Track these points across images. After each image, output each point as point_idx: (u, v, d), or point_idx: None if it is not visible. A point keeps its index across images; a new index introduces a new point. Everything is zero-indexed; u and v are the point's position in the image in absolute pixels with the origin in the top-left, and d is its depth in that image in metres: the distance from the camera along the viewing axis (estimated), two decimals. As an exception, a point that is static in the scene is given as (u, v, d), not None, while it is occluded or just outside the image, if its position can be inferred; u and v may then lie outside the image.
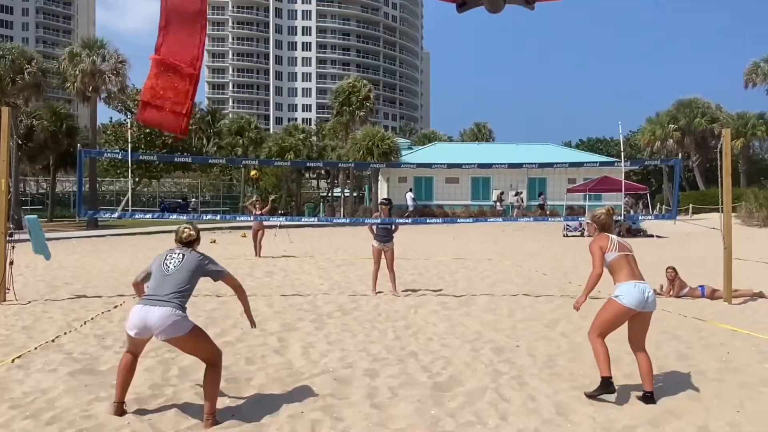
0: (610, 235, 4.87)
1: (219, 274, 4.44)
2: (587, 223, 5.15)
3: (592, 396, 4.65)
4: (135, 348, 4.30)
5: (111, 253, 16.91)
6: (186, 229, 4.43)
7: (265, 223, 15.90)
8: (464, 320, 7.77)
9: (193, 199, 45.06)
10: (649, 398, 4.64)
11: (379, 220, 10.15)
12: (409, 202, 34.36)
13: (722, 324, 7.50)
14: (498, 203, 35.85)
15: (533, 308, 8.61)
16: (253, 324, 4.89)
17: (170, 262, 4.27)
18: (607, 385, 4.62)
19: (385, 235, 10.04)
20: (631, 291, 4.59)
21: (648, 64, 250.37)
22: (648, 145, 46.56)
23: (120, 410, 4.24)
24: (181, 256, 4.31)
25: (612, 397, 4.75)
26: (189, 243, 4.42)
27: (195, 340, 4.22)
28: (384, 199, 11.39)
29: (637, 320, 4.69)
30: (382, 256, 10.00)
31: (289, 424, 4.17)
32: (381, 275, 10.04)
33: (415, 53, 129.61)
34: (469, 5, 3.16)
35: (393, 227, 10.21)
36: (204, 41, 7.40)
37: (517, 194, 35.38)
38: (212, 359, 4.27)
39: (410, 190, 35.62)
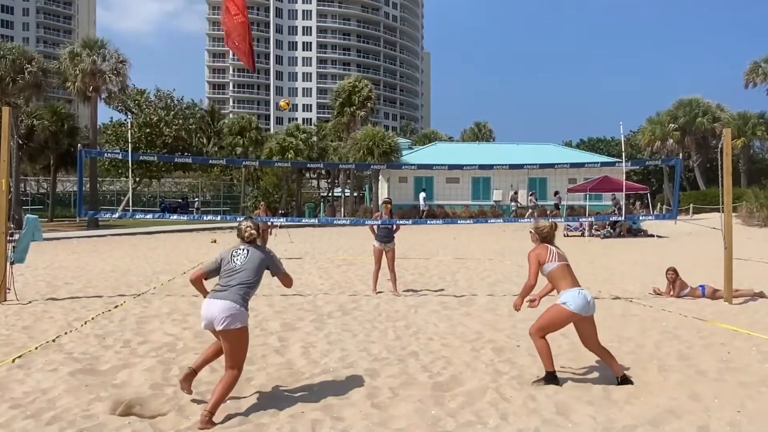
0: (549, 245, 5.17)
1: (278, 271, 4.70)
2: (530, 231, 5.42)
3: (536, 383, 4.99)
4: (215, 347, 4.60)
5: (111, 253, 16.92)
6: (248, 228, 4.65)
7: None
8: (465, 320, 7.77)
9: (197, 199, 45.14)
10: (625, 380, 4.98)
11: (379, 221, 10.16)
12: (421, 202, 34.83)
13: (723, 324, 7.49)
14: (513, 203, 35.75)
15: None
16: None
17: (237, 259, 4.53)
18: (551, 378, 4.98)
19: (386, 236, 10.05)
20: (576, 297, 4.92)
21: (648, 64, 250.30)
22: (648, 144, 46.55)
23: (192, 375, 4.56)
24: (246, 252, 4.58)
25: (612, 396, 4.75)
26: (252, 240, 4.64)
27: (240, 340, 4.42)
28: (386, 198, 11.46)
29: (584, 324, 5.03)
30: (383, 256, 10.01)
31: (290, 424, 4.17)
32: (381, 275, 10.05)
33: (416, 53, 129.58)
34: None
35: (394, 227, 10.22)
36: None
37: (531, 194, 35.30)
38: (238, 366, 4.43)
39: (423, 190, 35.88)
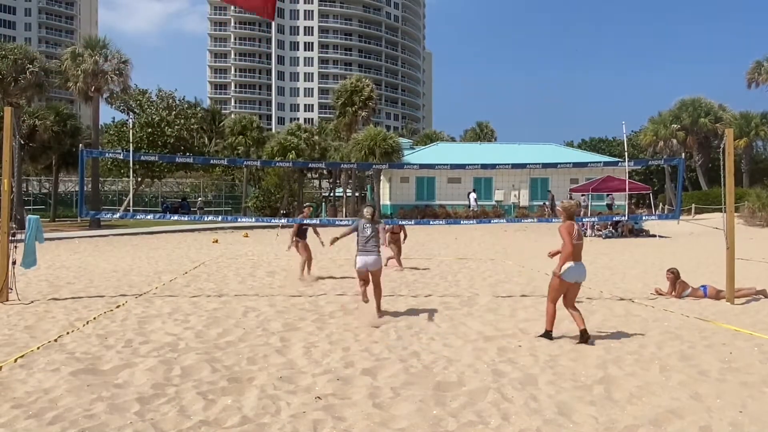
0: (574, 223, 6.54)
1: (383, 236, 7.60)
2: (558, 210, 6.75)
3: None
4: (365, 279, 7.79)
5: (113, 253, 16.94)
6: (368, 211, 7.95)
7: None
8: (466, 320, 7.77)
9: (200, 198, 45.23)
10: (584, 335, 6.41)
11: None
12: (472, 202, 34.70)
13: (725, 324, 7.49)
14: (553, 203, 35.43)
15: (535, 308, 8.59)
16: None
17: (367, 230, 7.79)
18: (547, 334, 6.61)
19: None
20: (572, 268, 6.43)
21: (650, 64, 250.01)
22: (650, 144, 46.47)
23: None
24: (369, 225, 7.82)
25: (614, 396, 4.74)
26: (371, 218, 7.87)
27: (381, 273, 7.99)
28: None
29: (573, 289, 6.56)
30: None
31: (291, 424, 4.17)
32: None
33: (417, 53, 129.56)
34: None
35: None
36: None
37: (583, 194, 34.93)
38: (380, 282, 8.01)
39: (474, 190, 35.73)
